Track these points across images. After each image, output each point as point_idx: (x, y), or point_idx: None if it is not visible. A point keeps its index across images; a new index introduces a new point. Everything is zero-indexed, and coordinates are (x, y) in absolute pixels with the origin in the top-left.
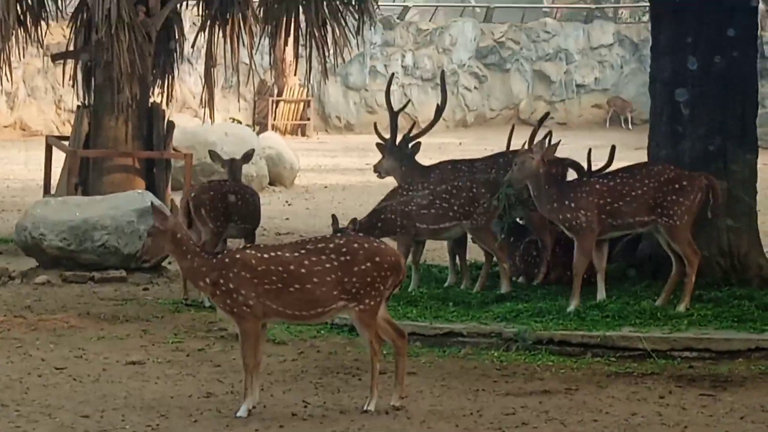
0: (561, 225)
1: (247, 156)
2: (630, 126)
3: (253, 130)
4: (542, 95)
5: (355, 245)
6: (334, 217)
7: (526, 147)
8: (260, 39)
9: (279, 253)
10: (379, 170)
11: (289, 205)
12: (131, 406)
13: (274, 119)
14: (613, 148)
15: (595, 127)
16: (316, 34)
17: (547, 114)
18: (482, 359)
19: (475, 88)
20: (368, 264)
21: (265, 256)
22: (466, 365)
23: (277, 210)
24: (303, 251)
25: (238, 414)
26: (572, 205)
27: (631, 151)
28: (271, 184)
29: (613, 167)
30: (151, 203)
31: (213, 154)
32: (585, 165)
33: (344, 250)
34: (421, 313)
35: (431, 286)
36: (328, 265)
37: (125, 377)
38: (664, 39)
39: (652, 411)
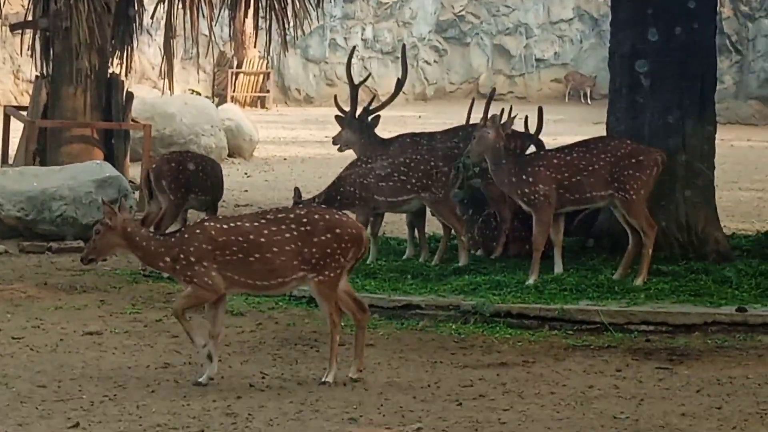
0: (519, 199)
1: None
2: (589, 101)
3: (213, 102)
4: (502, 69)
5: (316, 216)
6: (296, 190)
7: (481, 120)
8: (220, 10)
9: (239, 223)
10: (338, 143)
11: (248, 177)
12: (88, 376)
13: (234, 91)
14: (540, 109)
15: (554, 102)
16: (276, 6)
17: (494, 90)
18: (440, 332)
19: (435, 61)
20: (328, 235)
21: (225, 226)
22: (423, 337)
23: (236, 182)
24: (263, 221)
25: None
26: (530, 179)
27: (590, 125)
28: (230, 156)
29: (571, 141)
30: (102, 200)
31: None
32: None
33: (305, 221)
34: (379, 286)
35: (390, 259)
36: (287, 235)
37: (83, 347)
38: (624, 12)
39: (609, 384)
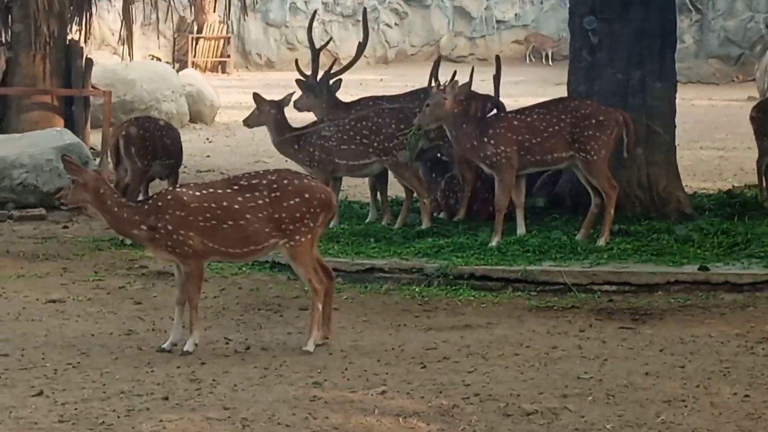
0: (481, 162)
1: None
2: (551, 62)
3: (173, 68)
4: (463, 31)
5: (285, 181)
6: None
7: (435, 87)
8: None
9: (211, 190)
10: (299, 107)
11: (209, 142)
12: (52, 344)
13: (194, 56)
14: (498, 59)
15: (515, 63)
16: None
17: (439, 57)
18: (404, 295)
19: (395, 24)
20: (297, 199)
21: (197, 194)
22: (387, 301)
23: (197, 147)
24: (235, 187)
25: (186, 348)
26: (491, 141)
27: (552, 87)
28: (191, 121)
29: (532, 103)
30: (63, 157)
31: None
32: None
33: (275, 186)
34: (342, 250)
35: (352, 223)
36: (260, 202)
37: (45, 315)
38: None
39: (573, 344)
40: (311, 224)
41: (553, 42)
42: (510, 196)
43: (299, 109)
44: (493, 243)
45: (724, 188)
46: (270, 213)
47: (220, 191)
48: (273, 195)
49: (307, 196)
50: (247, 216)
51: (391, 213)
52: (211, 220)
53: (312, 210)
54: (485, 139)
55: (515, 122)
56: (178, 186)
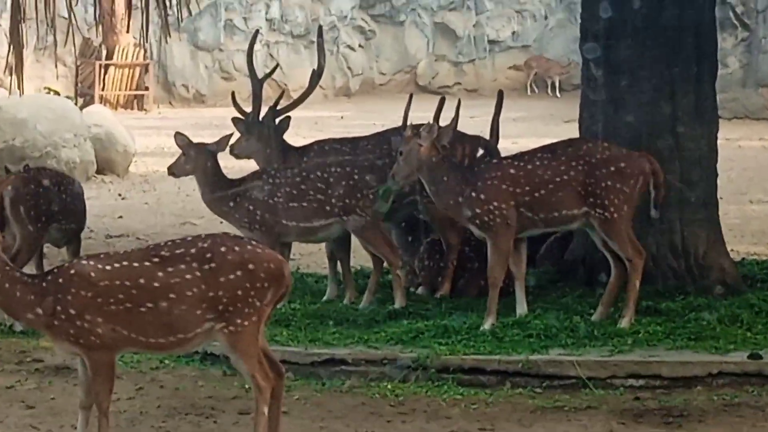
0: (469, 223)
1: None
2: (558, 93)
3: (76, 104)
4: (446, 54)
5: (223, 249)
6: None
7: (407, 130)
8: None
9: (125, 263)
10: (237, 152)
11: (123, 199)
12: None
13: (103, 89)
14: (500, 94)
15: (513, 95)
16: None
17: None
18: (372, 393)
19: (360, 46)
20: (239, 272)
21: (108, 267)
22: (351, 401)
23: (107, 206)
24: (156, 259)
25: None
26: (481, 196)
27: (559, 124)
28: (99, 172)
29: (534, 146)
30: None
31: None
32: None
33: (209, 255)
34: (293, 336)
35: (305, 301)
36: (188, 276)
37: None
38: None
39: None
40: (257, 303)
41: (562, 67)
42: (506, 265)
43: (237, 156)
44: (486, 326)
45: None
46: (203, 290)
47: (136, 264)
48: (206, 267)
49: (251, 267)
50: (171, 296)
51: (356, 288)
52: (124, 302)
53: (258, 285)
54: (473, 194)
55: (511, 170)
56: (82, 258)
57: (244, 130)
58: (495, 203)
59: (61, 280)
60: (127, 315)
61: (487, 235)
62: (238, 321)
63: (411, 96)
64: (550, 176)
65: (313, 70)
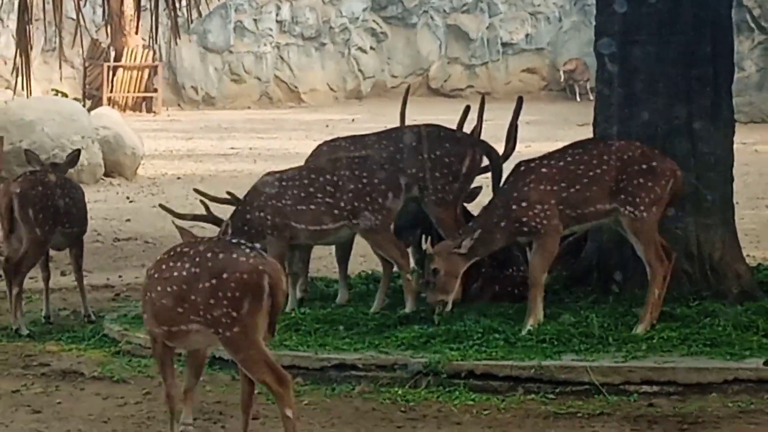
0: (519, 237)
1: (73, 160)
2: (578, 97)
3: (84, 106)
4: (458, 57)
5: (209, 255)
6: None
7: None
8: None
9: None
10: None
11: (131, 202)
12: None
13: (111, 91)
14: (520, 99)
15: (526, 98)
16: None
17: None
18: (382, 399)
19: (371, 48)
20: (214, 281)
21: None
22: (361, 407)
23: (115, 209)
24: (158, 259)
25: None
26: (522, 204)
27: (573, 128)
28: (107, 175)
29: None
30: None
31: (29, 155)
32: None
33: (197, 260)
34: (302, 341)
35: (315, 306)
36: (175, 274)
37: None
38: None
39: None
40: (233, 313)
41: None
42: (548, 267)
43: None
44: (528, 328)
45: None
46: (184, 291)
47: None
48: (192, 271)
49: (224, 276)
50: (158, 288)
51: (365, 292)
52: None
53: (230, 295)
54: (514, 206)
55: (544, 170)
56: None
57: None
58: (539, 206)
59: None
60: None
61: (535, 238)
62: (221, 330)
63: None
64: (583, 171)
65: None
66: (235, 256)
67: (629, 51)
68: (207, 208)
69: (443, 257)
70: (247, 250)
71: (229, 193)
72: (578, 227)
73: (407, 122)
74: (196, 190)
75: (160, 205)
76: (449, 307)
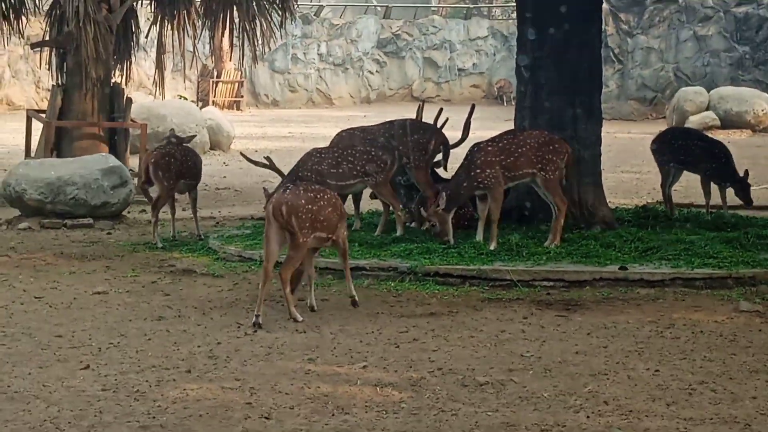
0: (477, 191)
1: (190, 139)
2: (506, 104)
3: (197, 106)
4: (431, 77)
5: (275, 195)
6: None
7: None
8: (202, 31)
9: None
10: None
11: (226, 165)
12: (97, 327)
13: (214, 96)
14: (473, 106)
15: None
16: (247, 27)
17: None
18: (381, 289)
19: (376, 71)
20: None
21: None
22: (368, 293)
23: (216, 170)
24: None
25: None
26: (478, 170)
27: (502, 122)
28: (211, 149)
29: (489, 135)
30: None
31: (171, 134)
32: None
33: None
34: (333, 252)
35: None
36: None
37: (92, 304)
38: (524, 36)
39: (517, 329)
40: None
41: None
42: (501, 207)
43: None
44: (492, 246)
45: (640, 204)
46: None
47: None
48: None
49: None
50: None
51: (371, 222)
52: None
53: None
54: (473, 172)
55: (490, 148)
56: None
57: None
58: (488, 170)
59: None
60: None
61: (489, 191)
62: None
63: (422, 104)
64: (515, 149)
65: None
66: (285, 196)
67: (537, 65)
68: (269, 159)
69: (433, 215)
70: (286, 191)
71: (267, 158)
72: (512, 184)
73: (407, 120)
74: (242, 153)
75: (241, 153)
76: (451, 240)
